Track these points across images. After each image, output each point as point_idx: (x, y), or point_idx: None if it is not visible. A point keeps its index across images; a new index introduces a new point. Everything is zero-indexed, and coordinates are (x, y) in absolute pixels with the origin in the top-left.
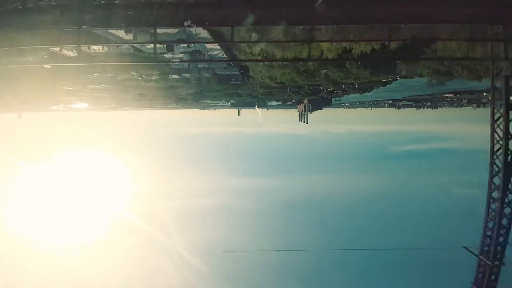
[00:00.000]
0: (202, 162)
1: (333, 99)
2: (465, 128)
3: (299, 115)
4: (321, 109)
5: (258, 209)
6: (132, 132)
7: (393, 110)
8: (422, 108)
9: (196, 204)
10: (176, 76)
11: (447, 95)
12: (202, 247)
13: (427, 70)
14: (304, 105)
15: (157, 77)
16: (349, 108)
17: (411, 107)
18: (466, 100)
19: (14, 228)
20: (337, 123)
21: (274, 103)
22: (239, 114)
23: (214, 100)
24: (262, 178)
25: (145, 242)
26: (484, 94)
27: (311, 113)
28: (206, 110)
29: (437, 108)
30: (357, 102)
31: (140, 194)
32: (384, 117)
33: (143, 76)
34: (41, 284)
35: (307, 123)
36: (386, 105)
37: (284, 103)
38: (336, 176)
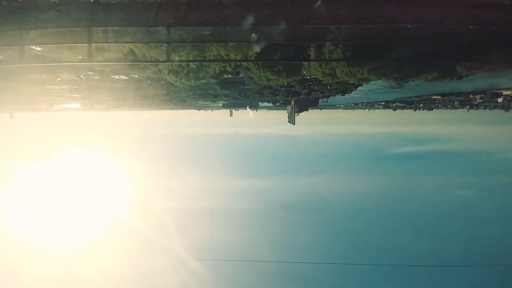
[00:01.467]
0: (199, 163)
1: (319, 100)
2: (462, 130)
3: (288, 116)
4: (307, 110)
5: (256, 210)
6: (127, 132)
7: (390, 111)
8: (419, 110)
9: (194, 205)
10: (124, 77)
11: (435, 96)
12: (200, 248)
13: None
14: (291, 106)
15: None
16: (345, 109)
17: (406, 109)
18: (458, 102)
19: (9, 229)
20: (329, 125)
21: (266, 104)
22: (231, 115)
23: (196, 100)
24: (258, 179)
25: (143, 243)
26: (471, 96)
27: (297, 114)
28: (203, 110)
29: (432, 110)
30: (351, 103)
31: (137, 194)
32: (378, 119)
33: (81, 76)
34: (38, 284)
35: (294, 124)
36: (380, 106)
37: (275, 104)
38: (330, 178)
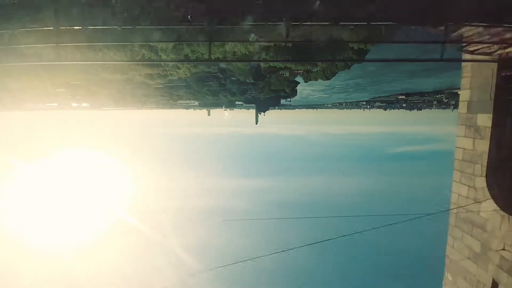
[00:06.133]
0: (195, 162)
1: (282, 100)
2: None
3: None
4: (268, 110)
5: (254, 210)
6: (121, 131)
7: (380, 111)
8: (412, 110)
9: (193, 205)
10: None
11: (401, 96)
12: (198, 248)
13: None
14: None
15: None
16: (335, 109)
17: (391, 109)
18: (437, 102)
19: (7, 229)
20: (296, 124)
21: (243, 103)
22: (209, 114)
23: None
24: (255, 179)
25: (141, 242)
26: (436, 95)
27: (263, 114)
28: (192, 110)
29: (421, 110)
30: (336, 103)
31: (135, 194)
32: (364, 119)
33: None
34: (37, 284)
35: (256, 124)
36: (368, 106)
37: (247, 104)
38: (326, 178)
